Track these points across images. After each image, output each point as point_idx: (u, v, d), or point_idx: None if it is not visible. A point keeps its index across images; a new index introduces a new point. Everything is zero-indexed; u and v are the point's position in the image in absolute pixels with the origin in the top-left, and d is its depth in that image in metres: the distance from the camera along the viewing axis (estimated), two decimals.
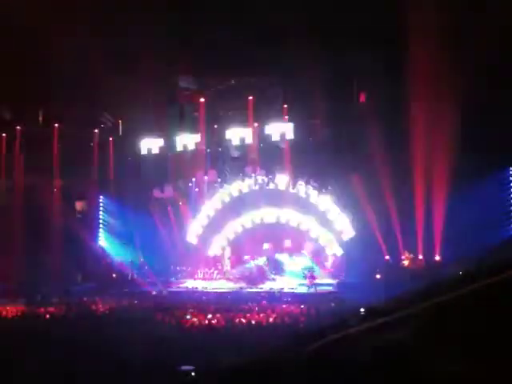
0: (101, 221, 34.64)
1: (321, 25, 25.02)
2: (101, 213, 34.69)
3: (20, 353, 14.33)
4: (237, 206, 31.69)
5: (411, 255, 27.36)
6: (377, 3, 24.22)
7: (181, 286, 30.78)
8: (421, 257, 27.18)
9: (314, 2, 24.96)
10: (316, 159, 29.72)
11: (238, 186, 31.82)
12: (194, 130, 32.65)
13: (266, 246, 31.15)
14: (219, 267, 31.44)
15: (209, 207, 32.29)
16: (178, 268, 32.08)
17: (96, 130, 34.25)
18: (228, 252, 31.89)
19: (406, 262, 27.48)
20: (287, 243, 31.16)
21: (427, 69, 24.05)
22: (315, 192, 30.05)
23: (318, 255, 30.20)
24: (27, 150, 32.90)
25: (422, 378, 5.09)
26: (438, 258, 26.77)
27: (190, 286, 30.28)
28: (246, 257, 31.19)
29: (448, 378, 4.62)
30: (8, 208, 31.01)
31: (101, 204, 34.68)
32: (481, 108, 23.83)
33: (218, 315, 20.14)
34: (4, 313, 23.50)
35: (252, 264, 30.49)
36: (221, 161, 33.04)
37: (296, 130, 31.00)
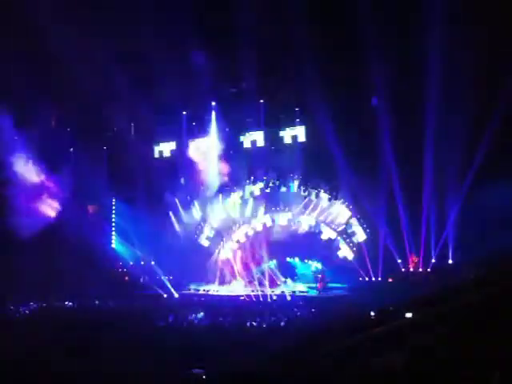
0: (113, 224, 34.85)
1: (334, 28, 25.03)
2: (113, 216, 34.89)
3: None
4: (248, 208, 31.76)
5: (417, 258, 27.28)
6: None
7: (192, 288, 30.94)
8: (433, 260, 27.05)
9: (328, 6, 24.97)
10: (328, 162, 29.66)
11: (250, 189, 31.89)
12: (205, 134, 32.76)
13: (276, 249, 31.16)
14: (231, 270, 31.47)
15: (220, 210, 32.39)
16: (190, 271, 32.13)
17: (109, 134, 34.59)
18: (239, 255, 31.90)
19: (410, 267, 27.47)
20: (299, 246, 31.09)
21: (439, 72, 23.99)
22: (326, 195, 30.02)
23: (329, 258, 30.11)
24: (40, 152, 33.22)
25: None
26: (450, 261, 26.63)
27: (202, 289, 30.46)
28: (257, 260, 31.16)
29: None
30: (21, 210, 31.25)
31: (113, 207, 34.87)
32: (495, 109, 23.64)
33: None
34: None
35: (263, 267, 30.48)
36: (233, 164, 32.99)
37: (308, 134, 31.00)
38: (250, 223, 31.43)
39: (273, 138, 31.88)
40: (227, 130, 32.58)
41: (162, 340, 17.09)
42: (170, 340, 17.24)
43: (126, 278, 33.19)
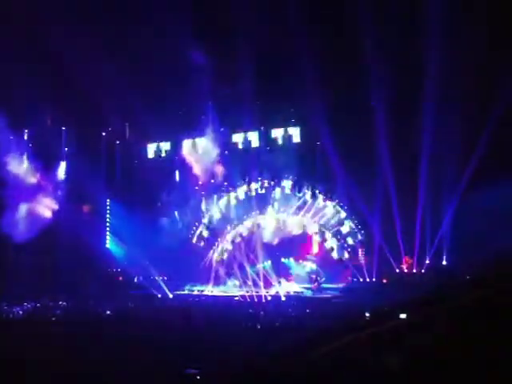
0: (108, 224, 34.73)
1: (330, 29, 25.06)
2: (108, 216, 34.77)
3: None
4: (243, 209, 31.74)
5: (411, 259, 27.35)
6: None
7: (187, 289, 30.87)
8: (427, 261, 27.10)
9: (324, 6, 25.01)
10: (322, 163, 29.69)
11: (245, 190, 31.86)
12: (200, 134, 32.70)
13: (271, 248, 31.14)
14: (225, 271, 31.41)
15: (215, 210, 32.35)
16: (184, 271, 32.05)
17: (103, 134, 34.51)
18: (233, 255, 31.84)
19: (404, 267, 27.54)
20: (294, 247, 31.09)
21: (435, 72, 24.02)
22: (321, 196, 30.04)
23: (324, 259, 30.14)
24: (34, 152, 33.12)
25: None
26: (444, 262, 26.71)
27: (196, 290, 30.40)
28: (252, 261, 31.12)
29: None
30: (15, 210, 31.13)
31: (108, 207, 34.75)
32: (491, 111, 23.67)
33: None
34: None
35: (258, 267, 30.43)
36: (228, 164, 32.94)
37: (303, 134, 31.02)
38: (245, 223, 31.41)
39: (268, 139, 31.91)
40: (222, 130, 32.55)
41: (158, 340, 17.05)
42: (165, 340, 17.19)
43: (121, 278, 33.09)
